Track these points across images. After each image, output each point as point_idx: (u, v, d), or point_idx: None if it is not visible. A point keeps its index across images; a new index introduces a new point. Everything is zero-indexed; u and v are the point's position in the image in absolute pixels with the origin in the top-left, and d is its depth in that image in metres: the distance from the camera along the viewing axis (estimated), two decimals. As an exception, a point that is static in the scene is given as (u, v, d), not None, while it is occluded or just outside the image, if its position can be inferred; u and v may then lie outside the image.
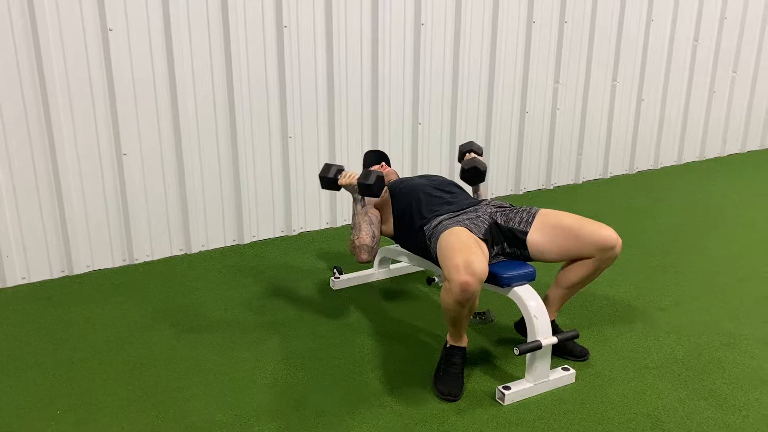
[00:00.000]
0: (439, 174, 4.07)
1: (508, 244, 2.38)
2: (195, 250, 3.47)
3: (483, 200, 2.52)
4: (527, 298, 2.23)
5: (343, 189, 3.30)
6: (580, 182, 4.85)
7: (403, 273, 3.23)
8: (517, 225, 2.36)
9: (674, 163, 5.39)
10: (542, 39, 4.30)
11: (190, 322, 2.74)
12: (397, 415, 2.13)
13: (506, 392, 2.19)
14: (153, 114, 3.19)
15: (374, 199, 2.72)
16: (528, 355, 2.24)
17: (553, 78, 4.45)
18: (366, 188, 2.51)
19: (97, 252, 3.23)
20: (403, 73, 3.83)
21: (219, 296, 2.98)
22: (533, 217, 2.36)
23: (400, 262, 3.19)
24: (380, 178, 2.49)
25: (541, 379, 2.26)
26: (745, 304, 2.90)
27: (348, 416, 2.13)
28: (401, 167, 3.99)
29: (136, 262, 3.34)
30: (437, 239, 2.25)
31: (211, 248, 3.53)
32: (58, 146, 3.01)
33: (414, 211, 2.49)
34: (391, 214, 2.63)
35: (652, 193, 4.59)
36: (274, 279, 3.16)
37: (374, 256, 2.57)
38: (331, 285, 3.08)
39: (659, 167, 5.29)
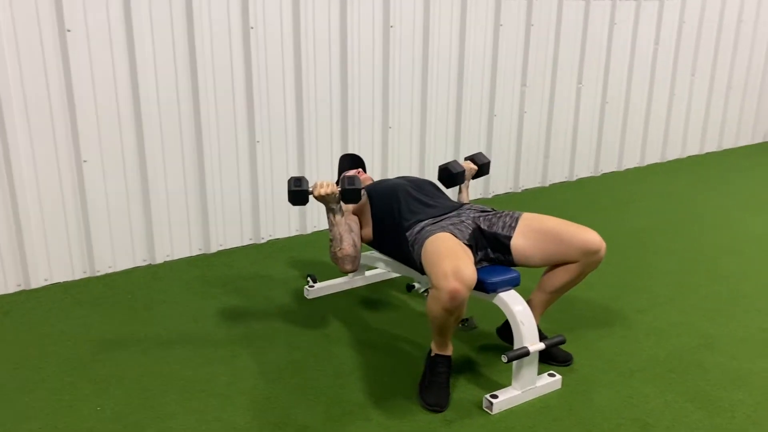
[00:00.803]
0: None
1: (492, 250, 2.33)
2: (159, 260, 3.33)
3: (465, 204, 2.47)
4: (513, 303, 2.18)
5: (310, 202, 3.04)
6: (547, 185, 4.86)
7: (379, 280, 3.16)
8: (500, 230, 2.32)
9: (637, 165, 5.46)
10: (509, 42, 4.29)
11: (158, 336, 2.61)
12: (383, 429, 2.06)
13: (494, 401, 2.14)
14: (114, 118, 3.05)
15: (351, 206, 2.64)
16: (515, 362, 2.19)
17: (520, 81, 4.45)
18: (352, 194, 2.38)
19: (55, 264, 3.06)
20: (372, 75, 3.76)
21: (187, 308, 2.85)
22: (516, 221, 2.32)
23: (377, 268, 3.12)
24: (359, 181, 2.40)
25: (528, 386, 2.21)
26: (719, 305, 2.92)
27: (333, 432, 2.05)
28: (371, 171, 3.92)
29: (98, 274, 3.18)
30: (421, 245, 2.18)
31: (176, 258, 3.40)
32: (13, 152, 2.84)
33: (394, 214, 2.42)
34: (370, 218, 2.55)
35: (619, 195, 4.62)
36: (244, 289, 3.05)
37: (358, 266, 2.48)
38: (305, 294, 2.98)
39: (623, 169, 5.35)
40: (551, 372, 2.32)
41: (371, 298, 2.98)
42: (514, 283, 2.24)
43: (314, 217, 3.78)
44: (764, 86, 6.24)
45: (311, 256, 3.45)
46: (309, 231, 3.79)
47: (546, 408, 2.18)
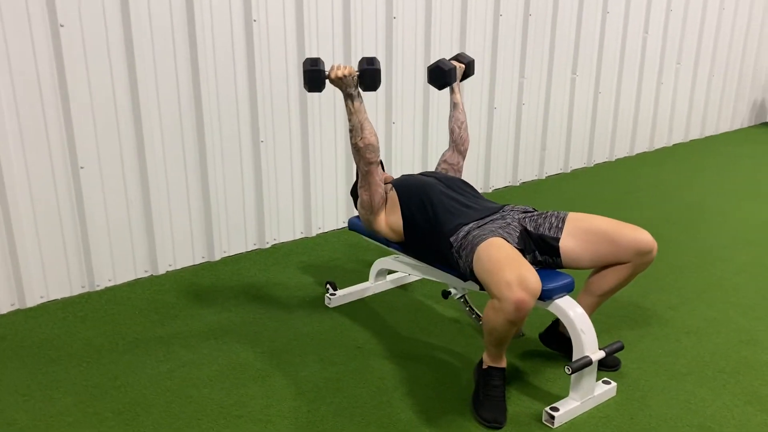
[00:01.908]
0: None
1: (539, 252, 2.21)
2: (162, 271, 3.12)
3: (506, 205, 2.35)
4: (572, 311, 2.07)
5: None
6: (544, 177, 4.79)
7: (400, 284, 3.02)
8: (547, 231, 2.20)
9: (627, 155, 5.44)
10: (508, 32, 4.18)
11: (178, 355, 2.42)
12: (444, 450, 1.93)
13: (555, 414, 2.03)
14: (113, 121, 2.82)
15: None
16: (566, 370, 2.08)
17: (519, 72, 4.35)
18: (372, 75, 2.22)
19: (52, 280, 2.82)
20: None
21: (203, 323, 2.66)
22: (563, 221, 2.21)
23: (396, 272, 2.98)
24: (378, 62, 2.23)
25: (587, 396, 2.11)
26: (748, 297, 2.88)
27: (392, 456, 1.91)
28: (375, 169, 3.76)
29: (98, 288, 2.95)
30: (473, 252, 2.05)
31: (179, 268, 3.18)
32: (3, 158, 2.59)
33: (429, 215, 2.28)
34: (398, 214, 2.39)
35: (616, 186, 4.58)
36: (260, 299, 2.87)
37: (379, 155, 2.33)
38: (326, 303, 2.82)
39: (614, 159, 5.32)
40: (606, 379, 2.23)
41: (396, 304, 2.84)
42: (569, 289, 2.13)
43: (318, 219, 3.62)
44: (743, 73, 6.30)
45: (321, 260, 3.29)
46: (314, 234, 3.62)
47: (606, 418, 2.09)
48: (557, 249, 2.18)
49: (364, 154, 2.31)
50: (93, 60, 2.71)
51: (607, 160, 5.26)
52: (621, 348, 2.15)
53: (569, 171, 4.97)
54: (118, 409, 2.11)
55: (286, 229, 3.51)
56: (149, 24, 2.81)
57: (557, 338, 2.42)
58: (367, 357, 2.42)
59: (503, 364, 2.12)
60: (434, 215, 2.27)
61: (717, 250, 3.41)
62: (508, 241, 2.10)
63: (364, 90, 2.29)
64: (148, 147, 2.93)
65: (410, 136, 3.87)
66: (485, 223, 2.20)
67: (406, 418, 2.08)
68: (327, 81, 2.26)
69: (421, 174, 2.53)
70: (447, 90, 3.92)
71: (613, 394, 2.20)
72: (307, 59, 2.25)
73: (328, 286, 2.86)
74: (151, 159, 2.95)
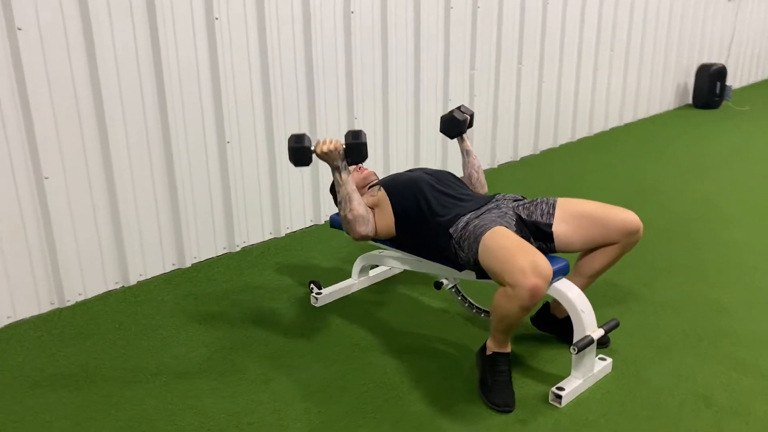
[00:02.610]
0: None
1: (534, 239, 2.27)
2: (133, 281, 3.00)
3: (497, 194, 2.39)
4: (570, 292, 2.14)
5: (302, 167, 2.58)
6: (496, 167, 4.90)
7: (383, 278, 3.02)
8: (540, 218, 2.26)
9: (569, 140, 5.63)
10: (458, 24, 4.24)
11: (171, 367, 2.34)
12: (462, 438, 1.96)
13: (562, 393, 2.10)
14: (76, 127, 2.69)
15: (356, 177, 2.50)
16: (574, 351, 2.15)
17: (470, 64, 4.42)
18: (358, 149, 2.21)
19: (18, 298, 2.67)
20: (336, 66, 3.58)
21: (189, 332, 2.58)
22: (553, 207, 2.28)
23: (377, 267, 2.98)
24: (364, 135, 2.25)
25: (588, 373, 2.19)
26: (711, 270, 3.05)
27: (414, 449, 1.92)
28: (339, 166, 3.74)
29: (68, 304, 2.81)
30: (478, 242, 2.08)
31: (150, 277, 3.07)
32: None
33: (423, 210, 2.29)
34: (389, 214, 2.40)
35: (566, 171, 4.74)
36: (242, 303, 2.81)
37: (372, 230, 2.33)
38: (312, 302, 2.79)
39: (558, 145, 5.49)
40: (601, 356, 2.31)
41: (383, 298, 2.84)
42: (565, 272, 2.20)
43: (287, 218, 3.56)
44: (668, 59, 6.63)
45: (296, 260, 3.25)
46: (283, 234, 3.56)
47: (608, 394, 2.17)
48: (551, 234, 2.24)
49: (353, 227, 2.28)
50: (52, 62, 2.57)
51: (551, 146, 5.43)
52: (617, 325, 2.24)
53: (518, 159, 5.09)
54: (119, 427, 2.02)
55: (255, 230, 3.44)
56: (110, 25, 2.69)
57: (549, 321, 2.49)
58: (365, 353, 2.42)
59: (508, 349, 2.17)
60: (429, 209, 2.28)
61: (675, 227, 3.59)
62: (510, 230, 2.14)
63: (350, 163, 2.26)
64: (114, 153, 2.81)
65: (371, 130, 3.87)
66: (482, 213, 2.23)
67: (418, 410, 2.09)
68: (314, 155, 2.24)
69: (412, 171, 2.54)
70: (403, 83, 3.94)
71: (609, 370, 2.29)
72: (292, 136, 2.21)
73: (312, 285, 2.83)
74: (117, 165, 2.83)
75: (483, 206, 2.28)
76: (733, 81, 7.98)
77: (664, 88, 6.76)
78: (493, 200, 2.34)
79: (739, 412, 2.06)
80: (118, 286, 2.97)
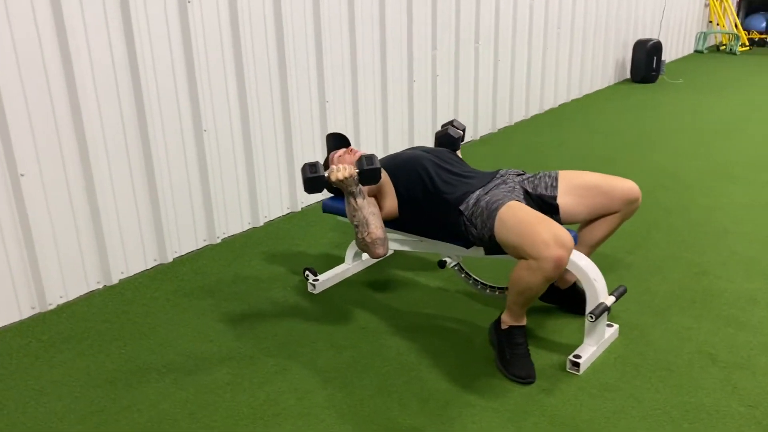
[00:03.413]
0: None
1: (540, 212, 2.29)
2: (115, 280, 2.87)
3: (499, 170, 2.41)
4: (581, 262, 2.18)
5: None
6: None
7: (375, 262, 3.00)
8: (544, 191, 2.30)
9: (524, 118, 5.73)
10: (420, 4, 4.23)
11: (178, 364, 2.25)
12: (492, 412, 1.98)
13: (579, 361, 2.15)
14: (51, 121, 2.53)
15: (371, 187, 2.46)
16: (588, 318, 2.20)
17: (431, 45, 4.42)
18: (372, 174, 2.22)
19: (-2, 305, 2.51)
20: (306, 50, 3.51)
21: (189, 327, 2.49)
22: (556, 180, 2.32)
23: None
24: (377, 159, 2.23)
25: (600, 340, 2.25)
26: (685, 235, 3.18)
27: (449, 427, 1.92)
28: (313, 147, 3.69)
29: (50, 307, 2.66)
30: (492, 218, 2.09)
31: (132, 274, 2.95)
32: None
33: (428, 188, 2.28)
34: (391, 195, 2.38)
35: (525, 147, 4.83)
36: (238, 295, 2.73)
37: (387, 248, 2.32)
38: (309, 289, 2.75)
39: (513, 123, 5.59)
40: (608, 323, 2.37)
41: (380, 281, 2.83)
42: (575, 242, 2.24)
43: (264, 207, 3.49)
44: (608, 36, 6.84)
45: (281, 248, 3.18)
46: (262, 223, 3.48)
47: (621, 358, 2.23)
48: (556, 207, 2.28)
49: (372, 249, 2.22)
50: (24, 54, 2.41)
51: (507, 124, 5.52)
52: (625, 291, 2.30)
53: (478, 138, 5.16)
54: (139, 430, 1.94)
55: (234, 221, 3.35)
56: (82, 20, 2.54)
57: (553, 292, 2.53)
58: (376, 336, 2.40)
59: (524, 322, 2.20)
60: (434, 187, 2.28)
61: (644, 196, 3.70)
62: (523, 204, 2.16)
63: (364, 185, 2.22)
64: (92, 148, 2.67)
65: (342, 113, 3.82)
66: (491, 189, 2.24)
67: (442, 388, 2.09)
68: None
69: (411, 149, 2.53)
70: (370, 66, 3.91)
71: (617, 335, 2.36)
72: (306, 165, 2.16)
73: (307, 273, 2.78)
74: (95, 160, 2.69)
75: (490, 182, 2.30)
76: (665, 56, 8.31)
77: (605, 65, 6.97)
78: (498, 176, 2.35)
79: (744, 366, 2.16)
80: (100, 286, 2.83)
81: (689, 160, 4.35)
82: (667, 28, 8.23)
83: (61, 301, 2.70)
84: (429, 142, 4.60)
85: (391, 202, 2.38)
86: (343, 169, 2.16)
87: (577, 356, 2.17)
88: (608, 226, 2.35)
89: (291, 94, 3.46)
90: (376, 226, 2.24)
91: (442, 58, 4.54)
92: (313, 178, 2.16)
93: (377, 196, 2.40)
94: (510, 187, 2.27)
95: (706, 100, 6.27)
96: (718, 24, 9.75)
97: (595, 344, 2.23)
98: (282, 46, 3.35)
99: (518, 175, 2.38)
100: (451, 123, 2.85)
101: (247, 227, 3.43)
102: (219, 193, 3.23)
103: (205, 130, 3.09)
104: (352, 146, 2.70)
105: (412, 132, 4.41)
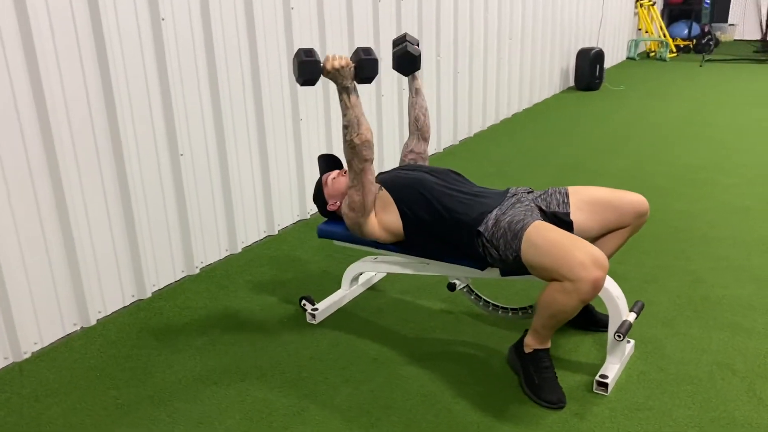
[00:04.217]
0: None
1: (557, 230, 2.25)
2: (93, 320, 2.64)
3: (509, 188, 2.34)
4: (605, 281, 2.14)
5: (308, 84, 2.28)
6: (424, 159, 4.88)
7: (369, 286, 2.89)
8: (558, 208, 2.25)
9: (481, 129, 5.74)
10: (385, 15, 4.16)
11: (185, 412, 2.07)
12: (531, 442, 1.90)
13: (607, 381, 2.11)
14: (21, 152, 2.31)
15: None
16: (611, 337, 2.17)
17: (397, 57, 4.35)
18: (369, 65, 2.11)
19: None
20: (279, 64, 3.37)
21: (188, 372, 2.31)
22: (566, 197, 2.28)
23: (363, 274, 2.85)
24: (373, 51, 2.15)
25: (622, 357, 2.22)
26: (667, 243, 3.21)
27: (492, 461, 1.84)
28: (287, 165, 3.54)
29: (26, 356, 2.41)
30: (518, 238, 2.02)
31: (110, 313, 2.72)
32: None
33: (437, 210, 2.19)
34: (395, 214, 2.28)
35: (489, 158, 4.82)
36: (233, 331, 2.56)
37: (373, 156, 2.22)
38: (308, 320, 2.61)
39: (473, 134, 5.59)
40: (627, 339, 2.35)
41: (379, 306, 2.71)
42: (593, 260, 2.20)
43: (241, 232, 3.31)
44: (554, 45, 6.97)
45: (267, 276, 3.02)
46: (240, 249, 3.31)
47: (643, 374, 2.21)
48: (571, 224, 2.24)
49: (360, 152, 2.16)
50: (-9, 78, 2.19)
51: (467, 136, 5.51)
52: (643, 306, 2.28)
53: (442, 150, 5.12)
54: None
55: (212, 248, 3.17)
56: (49, 26, 2.34)
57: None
58: (390, 367, 2.29)
59: (549, 344, 2.14)
60: (444, 209, 2.20)
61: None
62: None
63: (359, 83, 2.16)
64: (65, 177, 2.45)
65: (315, 130, 3.70)
66: (507, 208, 2.18)
67: (475, 420, 2.01)
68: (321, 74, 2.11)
69: (400, 169, 2.44)
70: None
71: (633, 350, 2.34)
72: (300, 50, 2.08)
73: (304, 302, 2.64)
74: (68, 189, 2.47)
75: (504, 201, 2.23)
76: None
77: (552, 73, 7.10)
78: (510, 194, 2.29)
79: (764, 375, 2.18)
80: (77, 328, 2.60)
81: (654, 165, 4.45)
82: (604, 35, 8.48)
83: (36, 348, 2.46)
84: (397, 156, 4.53)
85: (395, 223, 2.28)
86: (339, 58, 2.11)
87: (604, 376, 2.13)
88: (619, 240, 2.33)
89: (266, 112, 3.31)
90: (366, 128, 2.17)
91: (407, 71, 4.48)
92: (308, 62, 2.07)
93: (380, 215, 2.30)
94: (526, 206, 2.21)
95: (651, 105, 6.46)
96: (647, 32, 10.14)
97: (618, 362, 2.19)
98: (255, 56, 3.20)
99: (528, 192, 2.33)
100: (403, 38, 2.54)
101: (224, 254, 3.25)
102: (196, 220, 3.04)
103: (181, 154, 2.90)
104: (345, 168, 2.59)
105: (380, 145, 4.32)
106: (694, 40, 10.36)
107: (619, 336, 2.07)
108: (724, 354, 2.30)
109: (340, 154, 3.87)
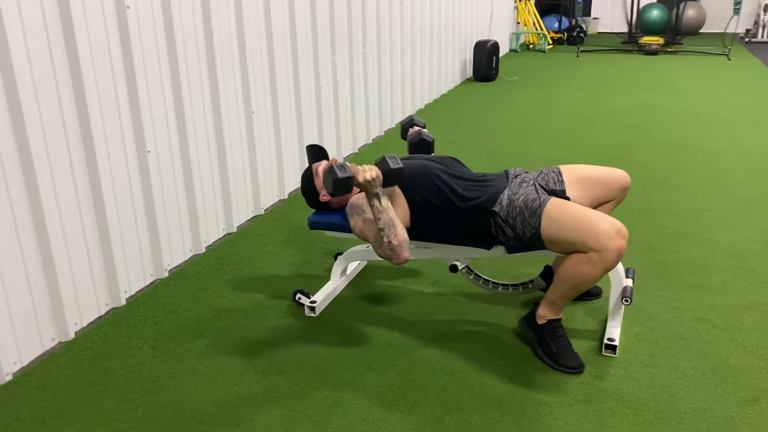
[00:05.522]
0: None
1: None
2: (72, 333, 2.44)
3: (507, 171, 2.43)
4: (604, 250, 2.29)
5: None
6: (357, 150, 4.91)
7: (356, 275, 2.88)
8: (554, 186, 2.37)
9: (399, 121, 5.84)
10: (321, 8, 4.13)
11: (214, 417, 1.99)
12: (569, 407, 2.02)
13: (615, 343, 2.26)
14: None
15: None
16: (612, 301, 2.33)
17: (331, 49, 4.34)
18: (398, 174, 2.16)
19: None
20: (232, 61, 3.27)
21: (201, 376, 2.20)
22: (560, 174, 2.41)
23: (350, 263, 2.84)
24: (398, 159, 2.20)
25: (620, 320, 2.39)
26: (614, 214, 3.47)
27: (541, 429, 1.92)
28: (242, 159, 3.44)
29: (8, 378, 2.19)
30: (538, 216, 2.11)
31: (85, 325, 2.53)
32: None
33: (449, 196, 2.24)
34: (403, 205, 2.31)
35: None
36: (232, 332, 2.47)
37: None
38: (307, 313, 2.57)
39: (395, 125, 5.67)
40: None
41: (373, 293, 2.72)
42: (592, 232, 2.35)
43: (204, 232, 3.18)
44: (455, 38, 7.21)
45: (244, 274, 2.93)
46: (204, 249, 3.18)
47: (639, 335, 2.39)
48: (568, 200, 2.37)
49: (399, 252, 2.17)
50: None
51: (391, 126, 5.58)
52: (635, 272, 2.46)
53: (371, 141, 5.16)
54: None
55: (177, 250, 3.02)
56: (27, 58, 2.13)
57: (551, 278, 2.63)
58: (407, 351, 2.32)
59: (561, 314, 2.26)
60: (455, 194, 2.25)
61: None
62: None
63: (384, 187, 2.18)
64: (41, 183, 2.24)
65: (264, 123, 3.62)
66: (516, 188, 2.27)
67: (507, 391, 2.09)
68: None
69: (414, 159, 2.46)
70: (282, 72, 3.75)
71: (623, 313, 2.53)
72: (332, 167, 2.06)
73: (300, 296, 2.60)
74: (45, 196, 2.27)
75: (511, 182, 2.32)
76: (493, 55, 8.96)
77: (453, 65, 7.35)
78: (512, 175, 2.38)
79: (738, 326, 2.43)
80: (54, 344, 2.40)
81: (571, 148, 4.76)
82: (492, 30, 8.88)
83: (16, 368, 2.24)
84: (333, 152, 4.52)
85: (403, 213, 2.31)
86: (369, 170, 2.11)
87: (611, 339, 2.28)
88: (606, 213, 2.49)
89: (223, 106, 3.20)
90: (402, 228, 2.19)
91: (341, 62, 4.48)
92: (345, 179, 2.07)
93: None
94: (531, 185, 2.31)
95: (548, 93, 6.87)
96: (525, 25, 10.73)
97: (619, 325, 2.36)
98: (212, 57, 3.08)
99: (525, 172, 2.44)
100: (411, 121, 2.82)
101: (189, 255, 3.11)
102: (162, 220, 2.89)
103: (148, 151, 2.74)
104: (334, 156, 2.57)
105: (321, 137, 4.29)
106: (566, 33, 11.10)
107: (627, 300, 2.23)
108: (699, 311, 2.54)
109: (292, 146, 3.82)
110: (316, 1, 4.03)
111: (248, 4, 3.35)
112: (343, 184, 2.08)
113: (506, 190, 2.26)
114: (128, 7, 2.56)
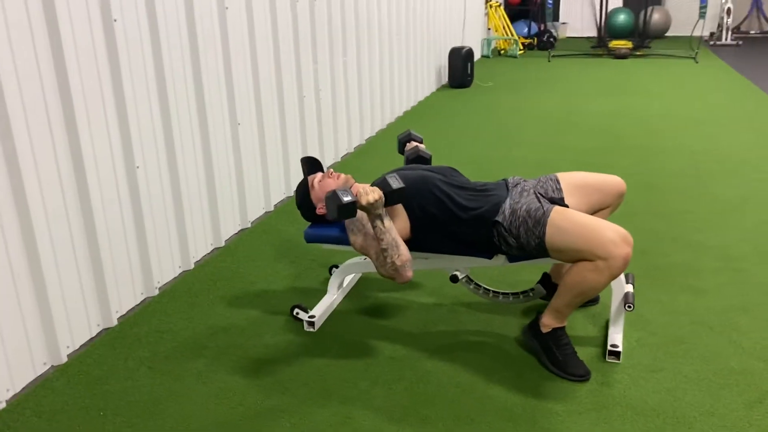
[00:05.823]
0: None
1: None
2: (64, 357, 2.36)
3: (506, 180, 2.43)
4: (605, 257, 2.30)
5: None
6: (340, 159, 4.88)
7: (351, 287, 2.85)
8: (552, 194, 2.38)
9: (381, 128, 5.83)
10: (303, 18, 4.10)
11: (224, 439, 1.94)
12: (579, 415, 2.02)
13: (618, 349, 2.27)
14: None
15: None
16: (613, 307, 2.33)
17: (312, 58, 4.31)
18: (400, 194, 2.16)
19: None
20: (217, 70, 3.22)
21: (203, 397, 2.15)
22: (557, 182, 2.42)
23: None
24: (399, 179, 2.19)
25: (621, 326, 2.39)
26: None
27: (554, 437, 1.92)
28: (228, 172, 3.39)
29: (1, 406, 2.11)
30: (542, 224, 2.11)
31: (77, 347, 2.45)
32: None
33: (449, 206, 2.23)
34: (403, 217, 2.30)
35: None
36: (230, 351, 2.41)
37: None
38: (306, 328, 2.53)
39: (375, 133, 5.66)
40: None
41: (371, 306, 2.69)
42: (592, 239, 2.35)
43: (193, 247, 3.12)
44: (430, 45, 7.23)
45: (236, 290, 2.87)
46: (192, 265, 3.11)
47: (640, 340, 2.41)
48: (567, 207, 2.38)
49: (402, 272, 2.17)
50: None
51: (371, 135, 5.57)
52: (634, 277, 2.47)
53: (353, 150, 5.14)
54: None
55: (167, 266, 2.95)
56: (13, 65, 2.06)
57: (554, 289, 2.62)
58: (411, 364, 2.30)
59: (566, 322, 2.26)
60: (456, 205, 2.24)
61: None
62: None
63: (386, 206, 2.17)
64: (31, 200, 2.17)
65: (250, 134, 3.57)
66: (517, 198, 2.26)
67: (517, 402, 2.08)
68: None
69: (400, 170, 2.44)
70: (265, 82, 3.72)
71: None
72: (334, 192, 2.06)
73: (297, 311, 2.56)
74: (35, 212, 2.20)
75: (510, 192, 2.32)
76: (467, 61, 9.01)
77: (429, 72, 7.37)
78: (511, 184, 2.38)
79: (735, 328, 2.46)
80: (47, 368, 2.32)
81: (552, 152, 4.79)
82: (465, 36, 8.94)
83: (9, 396, 2.16)
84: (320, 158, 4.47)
85: (403, 224, 2.29)
86: (372, 192, 2.10)
87: (615, 345, 2.29)
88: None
89: (209, 119, 3.15)
90: (405, 248, 2.18)
91: (324, 71, 4.45)
92: (349, 204, 2.06)
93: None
94: (530, 194, 2.31)
95: (524, 98, 6.93)
96: (496, 30, 10.82)
97: (620, 331, 2.37)
98: (197, 59, 3.03)
99: (525, 181, 2.44)
100: (408, 136, 2.83)
101: (179, 272, 3.04)
102: (152, 236, 2.82)
103: (137, 167, 2.68)
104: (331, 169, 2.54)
105: (305, 148, 4.25)
106: (536, 38, 11.23)
107: (629, 306, 2.24)
108: (696, 314, 2.57)
109: (277, 157, 3.78)
110: (297, 10, 4.00)
111: (233, 18, 3.30)
112: (347, 209, 2.06)
113: (508, 199, 2.26)
114: (115, 20, 2.50)
